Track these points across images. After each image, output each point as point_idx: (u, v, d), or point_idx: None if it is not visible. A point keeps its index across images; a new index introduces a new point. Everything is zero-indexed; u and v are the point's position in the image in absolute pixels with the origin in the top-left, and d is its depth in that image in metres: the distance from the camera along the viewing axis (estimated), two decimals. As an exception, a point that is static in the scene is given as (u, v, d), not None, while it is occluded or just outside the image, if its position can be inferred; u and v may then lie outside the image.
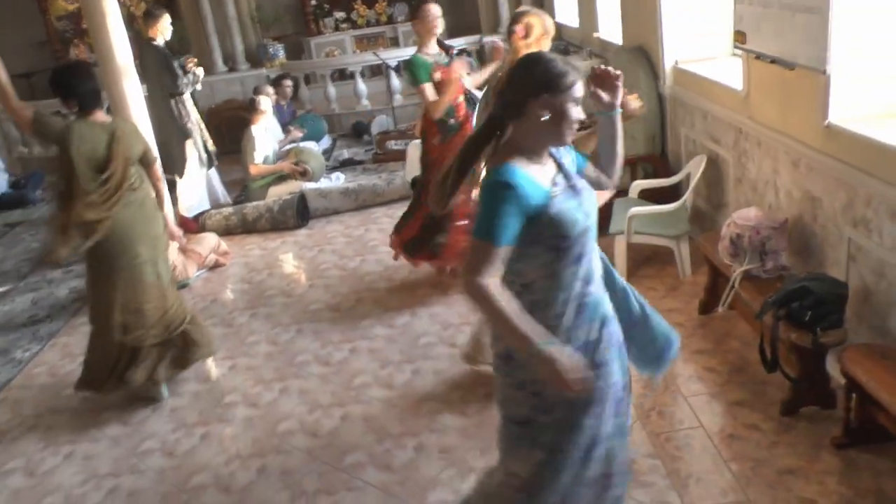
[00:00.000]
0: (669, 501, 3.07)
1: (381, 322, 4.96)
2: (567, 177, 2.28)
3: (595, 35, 7.52)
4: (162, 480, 3.70)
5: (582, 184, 2.32)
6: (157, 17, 6.81)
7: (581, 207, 2.23)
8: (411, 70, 4.87)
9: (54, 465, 3.95)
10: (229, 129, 9.84)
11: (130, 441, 4.06)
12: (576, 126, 2.22)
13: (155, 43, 6.80)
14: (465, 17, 11.42)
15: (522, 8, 4.53)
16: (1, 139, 10.66)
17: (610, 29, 7.19)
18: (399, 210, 5.80)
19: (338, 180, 8.04)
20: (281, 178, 7.72)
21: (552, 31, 4.15)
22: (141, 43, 7.11)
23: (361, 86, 10.36)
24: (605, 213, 4.98)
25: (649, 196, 5.15)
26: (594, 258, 2.35)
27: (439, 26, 4.95)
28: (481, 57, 9.45)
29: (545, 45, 4.07)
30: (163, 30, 6.81)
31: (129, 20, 11.58)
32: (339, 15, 12.38)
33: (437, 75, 4.79)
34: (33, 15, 12.45)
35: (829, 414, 3.39)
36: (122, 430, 4.18)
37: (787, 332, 3.30)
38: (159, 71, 6.74)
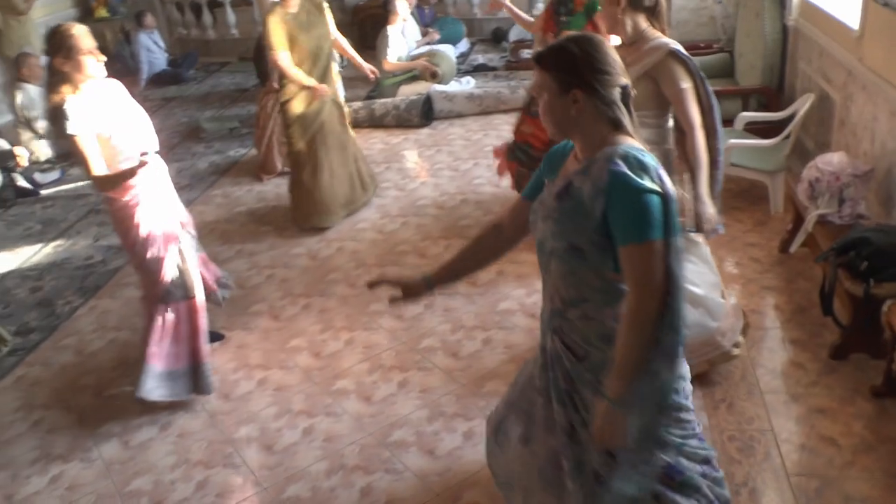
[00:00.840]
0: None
1: (479, 223, 5.28)
2: None
3: (738, -45, 7.32)
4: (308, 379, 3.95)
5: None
6: None
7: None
8: None
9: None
10: (373, 25, 10.17)
11: (281, 335, 4.36)
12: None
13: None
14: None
15: None
16: (164, 21, 11.44)
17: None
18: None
19: (468, 84, 8.29)
20: (412, 78, 8.06)
21: None
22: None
23: (505, -9, 10.42)
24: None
25: (756, 129, 5.18)
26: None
27: None
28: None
29: None
30: None
31: None
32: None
33: None
34: None
35: (877, 365, 3.45)
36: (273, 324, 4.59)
37: (842, 280, 3.43)
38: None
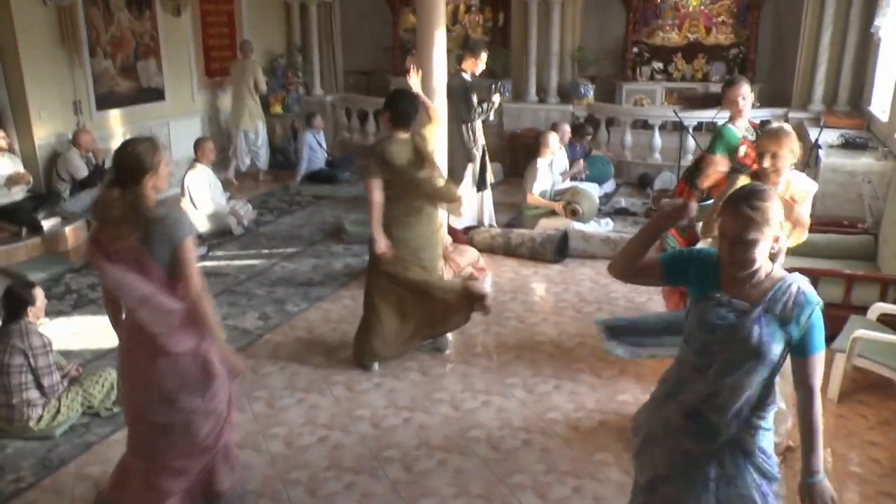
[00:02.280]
0: None
1: (592, 370, 5.29)
2: None
3: (896, 135, 7.21)
4: (363, 443, 4.38)
5: None
6: (477, 54, 7.62)
7: None
8: (714, 137, 5.12)
9: (287, 404, 4.80)
10: (525, 154, 10.50)
11: (349, 404, 4.80)
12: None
13: (463, 74, 7.61)
14: (783, 85, 11.16)
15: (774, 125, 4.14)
16: (331, 123, 12.23)
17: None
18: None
19: (606, 226, 8.38)
20: (553, 212, 8.23)
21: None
22: (453, 70, 7.95)
23: (657, 139, 10.57)
24: (837, 327, 4.94)
25: (892, 322, 4.96)
26: None
27: (744, 106, 5.11)
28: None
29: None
30: (475, 66, 7.61)
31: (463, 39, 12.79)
32: (657, 65, 12.63)
33: (743, 150, 4.96)
34: (386, 22, 14.02)
35: None
36: (346, 393, 4.92)
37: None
38: (459, 99, 7.53)
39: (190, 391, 3.33)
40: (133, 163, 3.19)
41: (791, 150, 3.90)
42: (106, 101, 9.29)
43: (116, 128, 9.46)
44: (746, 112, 5.19)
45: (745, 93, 5.12)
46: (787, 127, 3.99)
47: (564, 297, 6.63)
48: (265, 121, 11.21)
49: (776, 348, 2.48)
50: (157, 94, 10.11)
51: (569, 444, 4.39)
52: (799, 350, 2.54)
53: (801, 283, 2.53)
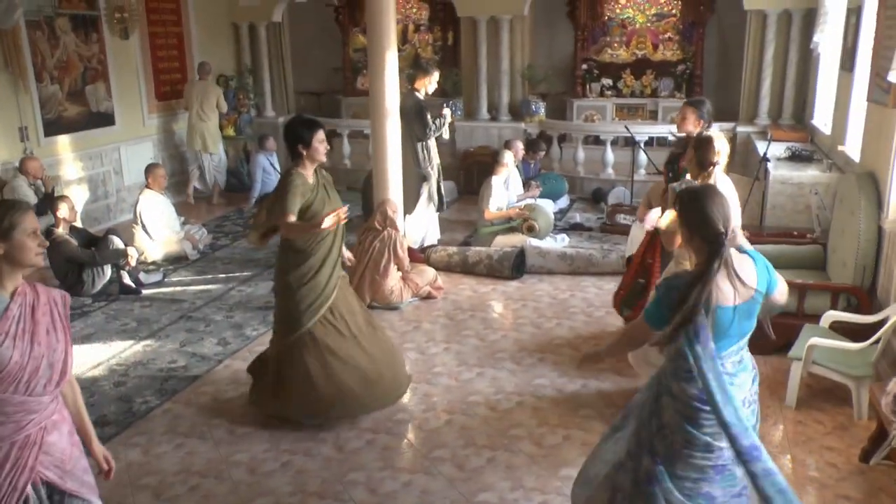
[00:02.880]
0: None
1: (553, 385, 5.32)
2: None
3: (840, 148, 7.39)
4: (326, 468, 4.33)
5: None
6: (429, 73, 7.69)
7: None
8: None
9: (248, 431, 4.76)
10: (479, 172, 10.58)
11: (313, 430, 4.77)
12: None
13: (416, 93, 7.67)
14: (729, 99, 11.40)
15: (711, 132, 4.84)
16: (283, 145, 12.11)
17: (855, 146, 7.04)
18: (609, 283, 6.61)
19: (562, 241, 8.46)
20: (510, 229, 8.28)
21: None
22: (405, 89, 7.99)
23: (609, 154, 10.71)
24: (791, 335, 5.04)
25: (843, 330, 5.09)
26: None
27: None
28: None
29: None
30: (427, 85, 7.68)
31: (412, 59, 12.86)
32: (607, 81, 12.84)
33: None
34: (336, 44, 14.05)
35: None
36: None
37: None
38: (413, 118, 7.58)
39: None
40: None
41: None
42: (54, 127, 9.11)
43: (65, 154, 9.28)
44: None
45: (686, 113, 5.38)
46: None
47: (523, 314, 6.67)
48: (222, 142, 11.14)
49: None
50: (106, 119, 9.95)
51: (534, 461, 4.41)
52: None
53: None
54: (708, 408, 2.76)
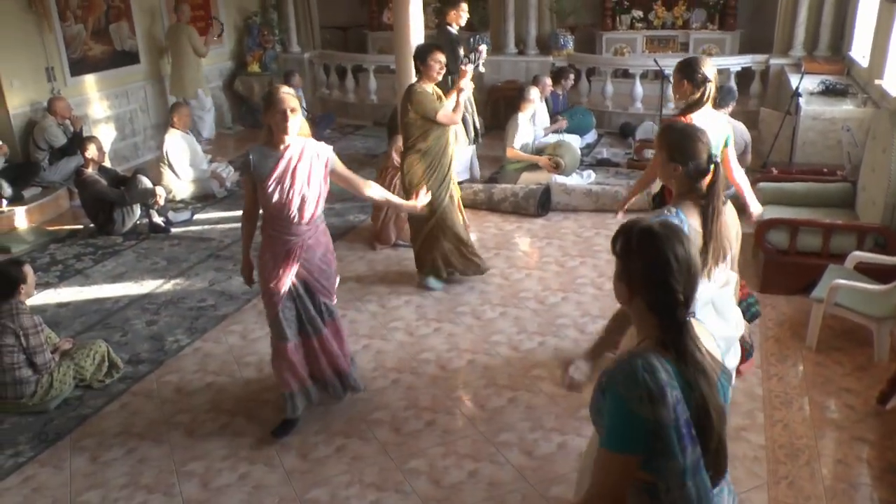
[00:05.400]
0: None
1: (576, 326, 5.37)
2: None
3: (877, 81, 7.20)
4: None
5: None
6: (458, 5, 7.57)
7: None
8: None
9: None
10: (506, 107, 10.47)
11: (384, 318, 5.08)
12: None
13: (449, 27, 7.56)
14: (763, 31, 11.11)
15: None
16: (309, 80, 12.13)
17: (893, 79, 6.86)
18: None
19: (588, 178, 8.39)
20: (536, 165, 8.23)
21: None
22: (438, 24, 7.91)
23: (639, 88, 10.55)
24: (815, 275, 5.02)
25: (868, 270, 5.05)
26: None
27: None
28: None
29: None
30: (457, 18, 7.57)
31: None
32: (637, 13, 12.54)
33: None
34: (362, -25, 13.85)
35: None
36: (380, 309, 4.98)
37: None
38: (446, 52, 7.47)
39: None
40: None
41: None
42: (80, 67, 9.14)
43: (92, 93, 9.33)
44: None
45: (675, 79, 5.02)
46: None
47: (548, 252, 6.69)
48: (207, 88, 10.73)
49: None
50: (131, 58, 9.95)
51: (555, 402, 4.48)
52: None
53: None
54: None
